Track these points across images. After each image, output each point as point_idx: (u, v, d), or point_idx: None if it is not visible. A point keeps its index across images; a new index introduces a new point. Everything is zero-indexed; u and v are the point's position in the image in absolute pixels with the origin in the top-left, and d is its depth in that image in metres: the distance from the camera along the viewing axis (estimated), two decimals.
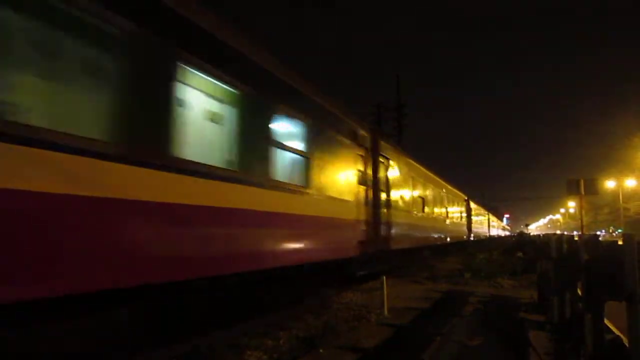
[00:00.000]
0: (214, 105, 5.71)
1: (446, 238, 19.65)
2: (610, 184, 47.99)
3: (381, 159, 10.60)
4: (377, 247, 9.73)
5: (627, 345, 3.07)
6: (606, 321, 3.64)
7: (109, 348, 4.28)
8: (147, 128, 4.12)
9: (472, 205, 29.18)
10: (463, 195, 25.61)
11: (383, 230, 10.30)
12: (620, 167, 48.76)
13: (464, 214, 25.78)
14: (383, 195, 10.55)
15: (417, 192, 14.33)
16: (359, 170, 9.14)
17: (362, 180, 9.20)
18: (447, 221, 20.19)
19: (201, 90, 5.43)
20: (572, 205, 76.45)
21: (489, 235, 41.93)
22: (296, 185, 6.62)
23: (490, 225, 43.61)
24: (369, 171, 9.74)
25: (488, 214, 42.60)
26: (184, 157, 4.41)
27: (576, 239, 5.14)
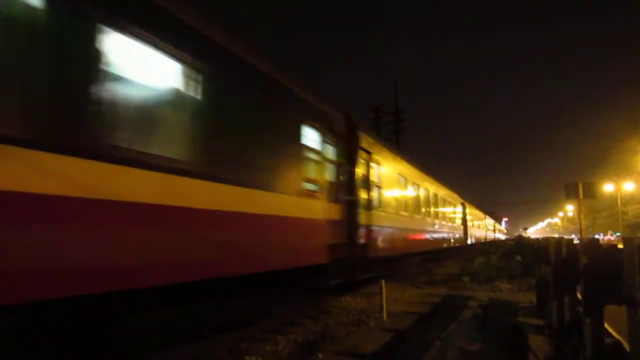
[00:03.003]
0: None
1: (481, 238, 40.26)
2: (608, 187, 48.03)
3: (465, 207, 27.83)
4: (465, 242, 27.96)
5: (627, 349, 3.06)
6: (606, 325, 3.63)
7: None
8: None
9: (488, 218, 51.80)
10: (484, 214, 46.54)
11: (468, 236, 29.06)
12: (618, 171, 48.78)
13: (484, 224, 46.14)
14: (466, 220, 27.90)
15: (473, 217, 33.34)
16: (460, 212, 26.42)
17: (461, 215, 26.55)
18: (482, 229, 42.56)
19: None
20: (570, 209, 76.58)
21: (494, 237, 57.72)
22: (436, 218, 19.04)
23: (494, 230, 64.60)
24: (461, 211, 26.55)
25: (494, 223, 64.70)
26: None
27: (575, 242, 5.14)
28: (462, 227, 26.60)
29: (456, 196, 25.10)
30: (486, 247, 34.93)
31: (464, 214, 27.63)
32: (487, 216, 50.05)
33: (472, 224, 33.23)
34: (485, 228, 47.89)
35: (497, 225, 73.58)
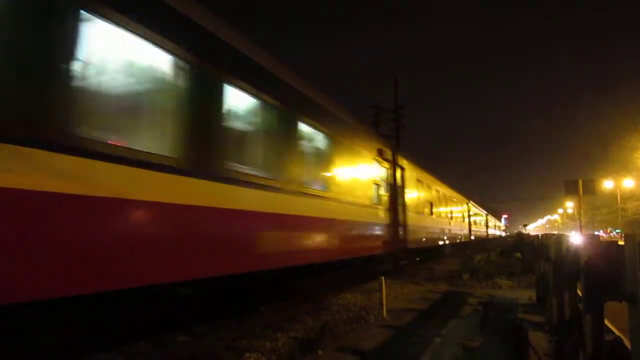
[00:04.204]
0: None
1: (453, 238, 24.64)
2: (607, 184, 48.11)
3: (400, 169, 13.54)
4: (396, 247, 13.75)
5: (627, 346, 3.06)
6: (606, 321, 3.62)
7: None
8: None
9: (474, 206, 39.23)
10: (466, 200, 35.01)
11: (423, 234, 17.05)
12: (617, 168, 48.87)
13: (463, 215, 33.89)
14: (403, 199, 13.46)
15: (430, 196, 18.11)
16: (384, 178, 12.17)
17: (388, 187, 12.30)
18: (455, 223, 25.85)
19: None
20: (570, 205, 76.69)
21: (486, 235, 46.63)
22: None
23: (487, 225, 51.15)
24: (384, 177, 12.08)
25: (487, 217, 50.89)
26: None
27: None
28: (389, 214, 11.43)
29: (359, 132, 10.26)
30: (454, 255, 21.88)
31: (398, 183, 12.55)
32: (470, 202, 31.84)
33: (430, 211, 17.14)
34: (467, 220, 30.02)
35: (491, 218, 54.48)
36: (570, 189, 15.67)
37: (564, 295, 4.97)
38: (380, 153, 11.09)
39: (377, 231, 10.57)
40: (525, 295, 9.26)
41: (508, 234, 75.80)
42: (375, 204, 10.48)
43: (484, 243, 37.31)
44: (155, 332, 5.32)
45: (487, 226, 45.89)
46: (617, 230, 61.62)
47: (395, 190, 12.17)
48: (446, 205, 21.25)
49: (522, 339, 5.53)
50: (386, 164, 11.62)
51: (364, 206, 9.65)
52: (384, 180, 11.38)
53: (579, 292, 4.11)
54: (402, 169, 13.10)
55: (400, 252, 12.44)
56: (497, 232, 63.83)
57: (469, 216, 30.71)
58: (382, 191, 11.16)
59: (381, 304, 7.49)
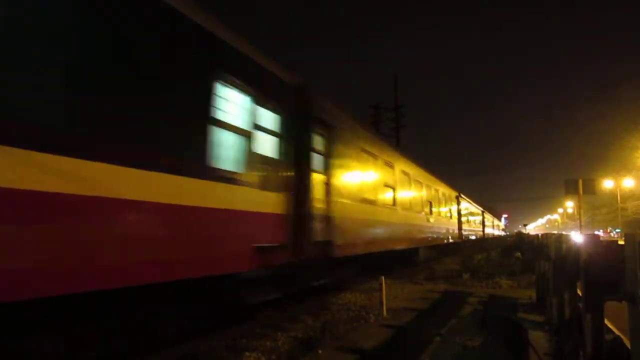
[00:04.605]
0: None
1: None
2: (607, 184, 48.13)
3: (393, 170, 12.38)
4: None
5: (627, 346, 3.06)
6: (606, 321, 3.62)
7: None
8: None
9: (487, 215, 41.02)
10: (480, 208, 36.74)
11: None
12: (617, 168, 48.94)
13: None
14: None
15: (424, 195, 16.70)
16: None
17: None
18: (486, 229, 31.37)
19: None
20: (570, 205, 76.75)
21: (489, 233, 44.88)
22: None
23: (493, 226, 52.64)
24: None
25: (484, 214, 49.51)
26: None
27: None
28: (287, 199, 6.36)
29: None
30: None
31: (316, 148, 7.41)
32: (461, 195, 25.44)
33: (393, 201, 11.96)
34: (457, 216, 24.30)
35: (489, 216, 47.01)
36: (570, 189, 15.71)
37: (564, 294, 4.97)
38: (262, 79, 6.10)
39: (250, 228, 5.59)
40: (526, 294, 9.26)
41: (508, 233, 75.57)
42: (243, 173, 5.50)
43: (480, 244, 32.13)
44: (155, 332, 5.31)
45: (483, 225, 38.47)
46: (617, 230, 61.62)
47: (309, 159, 7.10)
48: (422, 195, 15.86)
49: (522, 339, 5.54)
50: (281, 107, 6.47)
51: (204, 176, 4.77)
52: (279, 138, 6.39)
53: (579, 292, 4.11)
54: (330, 127, 7.88)
55: (317, 263, 7.34)
56: (496, 232, 58.30)
57: (459, 212, 24.93)
58: (271, 156, 6.19)
59: (381, 303, 7.49)
